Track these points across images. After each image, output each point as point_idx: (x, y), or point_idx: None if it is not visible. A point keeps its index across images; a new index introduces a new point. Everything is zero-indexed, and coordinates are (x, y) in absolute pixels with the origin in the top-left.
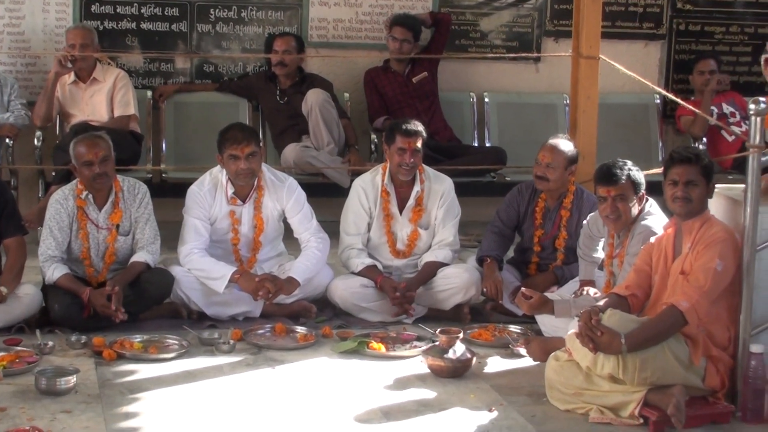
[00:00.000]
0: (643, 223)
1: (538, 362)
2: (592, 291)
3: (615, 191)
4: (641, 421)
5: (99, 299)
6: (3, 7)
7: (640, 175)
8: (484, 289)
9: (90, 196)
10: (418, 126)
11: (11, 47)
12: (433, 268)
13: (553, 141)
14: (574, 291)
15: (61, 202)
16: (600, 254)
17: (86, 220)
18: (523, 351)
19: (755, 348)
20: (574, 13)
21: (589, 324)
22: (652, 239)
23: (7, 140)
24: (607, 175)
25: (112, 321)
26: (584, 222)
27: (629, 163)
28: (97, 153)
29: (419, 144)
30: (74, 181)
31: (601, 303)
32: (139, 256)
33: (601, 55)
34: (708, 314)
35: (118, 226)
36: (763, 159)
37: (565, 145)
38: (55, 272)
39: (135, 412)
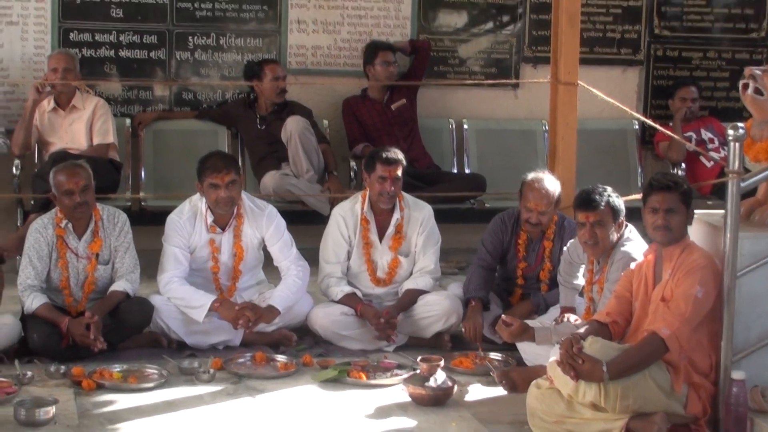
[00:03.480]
0: (622, 249)
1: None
2: (572, 318)
3: (594, 217)
4: None
5: (78, 329)
6: None
7: (619, 201)
8: (463, 329)
9: (70, 224)
10: (398, 154)
11: None
12: (414, 295)
13: (541, 185)
14: (554, 318)
15: (41, 230)
16: (580, 281)
17: (66, 249)
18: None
19: (737, 375)
20: (552, 40)
21: (571, 352)
22: (632, 265)
23: None
24: (586, 201)
25: (91, 351)
26: (564, 248)
27: (609, 189)
28: (78, 182)
29: (399, 172)
30: (53, 210)
31: (582, 330)
32: (118, 285)
33: (579, 81)
34: (689, 341)
35: (97, 255)
36: (742, 185)
37: (553, 186)
38: (34, 302)
39: None
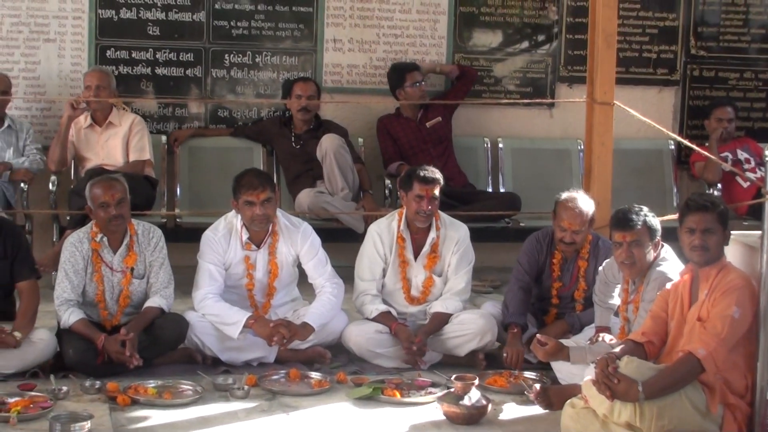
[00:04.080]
0: (658, 269)
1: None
2: (607, 338)
3: (630, 237)
4: None
5: (113, 346)
6: (19, 52)
7: (656, 221)
8: (504, 355)
9: (105, 239)
10: (435, 173)
11: (27, 92)
12: (442, 318)
13: (575, 204)
14: (589, 338)
15: (76, 245)
16: (616, 300)
17: (101, 263)
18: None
19: None
20: (589, 59)
21: (606, 371)
22: (668, 285)
23: (22, 185)
24: (623, 221)
25: (126, 366)
26: (600, 268)
27: (645, 209)
28: (114, 195)
29: (437, 191)
30: (89, 224)
31: (618, 350)
32: (153, 302)
33: (615, 101)
34: (725, 362)
35: (132, 269)
36: None
37: (587, 205)
38: (71, 317)
39: None
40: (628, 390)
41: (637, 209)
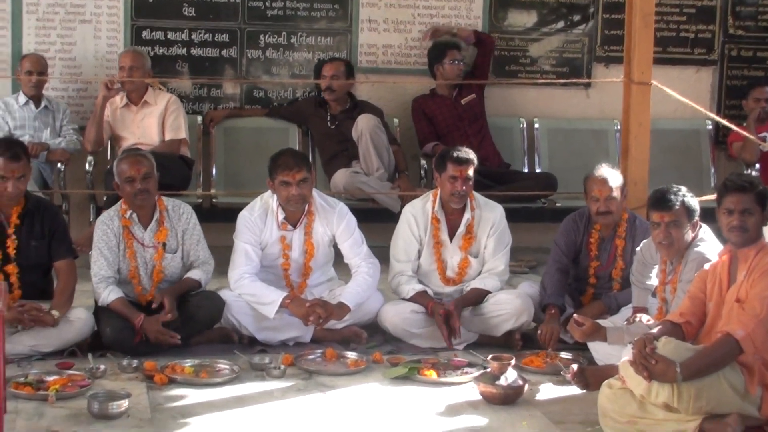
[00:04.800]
0: (696, 249)
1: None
2: (645, 318)
3: (669, 217)
4: None
5: (152, 325)
6: (55, 33)
7: (694, 202)
8: (539, 332)
9: (134, 215)
10: (469, 153)
11: (63, 73)
12: (480, 294)
13: (601, 172)
14: (626, 318)
15: (107, 222)
16: (653, 281)
17: (132, 239)
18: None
19: None
20: (626, 39)
21: (644, 352)
22: (706, 266)
23: (59, 165)
24: (661, 201)
25: (163, 345)
26: (637, 249)
27: (683, 189)
28: (140, 169)
29: (471, 172)
30: (119, 203)
31: (655, 330)
32: (193, 274)
33: (653, 81)
34: (764, 342)
35: (164, 244)
36: None
37: (613, 173)
38: (110, 295)
39: None
40: (666, 371)
41: (675, 189)
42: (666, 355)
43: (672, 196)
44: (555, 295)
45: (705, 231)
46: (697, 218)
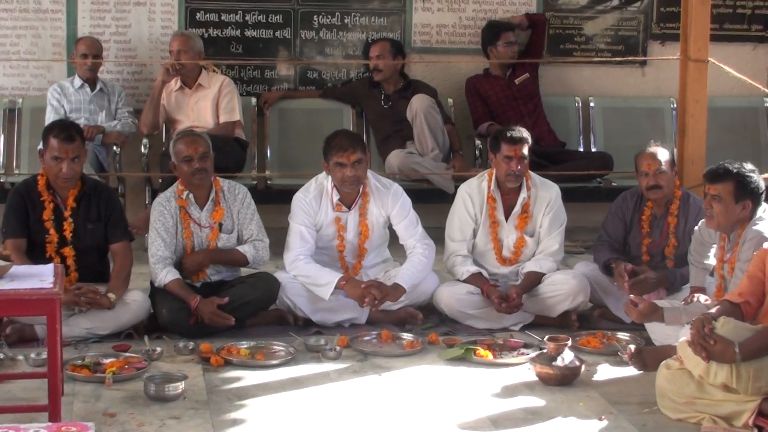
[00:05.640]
0: (754, 228)
1: (643, 372)
2: (702, 298)
3: (713, 190)
4: (755, 430)
5: (207, 307)
6: (110, 16)
7: (751, 179)
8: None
9: (191, 195)
10: (523, 132)
11: (118, 55)
12: (536, 277)
13: (649, 149)
14: (684, 298)
15: (164, 204)
16: (711, 261)
17: (189, 220)
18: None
19: None
20: (682, 16)
21: (702, 332)
22: (765, 245)
23: (115, 148)
24: (709, 173)
25: (218, 327)
26: (695, 228)
27: (745, 165)
28: (197, 149)
29: (525, 150)
30: (175, 184)
31: (714, 311)
32: (242, 248)
33: (709, 58)
34: None
35: (220, 224)
36: None
37: (661, 148)
38: (168, 276)
39: (242, 419)
40: (725, 351)
41: (730, 164)
42: (725, 335)
43: (721, 170)
44: (609, 255)
45: (765, 209)
46: (753, 196)
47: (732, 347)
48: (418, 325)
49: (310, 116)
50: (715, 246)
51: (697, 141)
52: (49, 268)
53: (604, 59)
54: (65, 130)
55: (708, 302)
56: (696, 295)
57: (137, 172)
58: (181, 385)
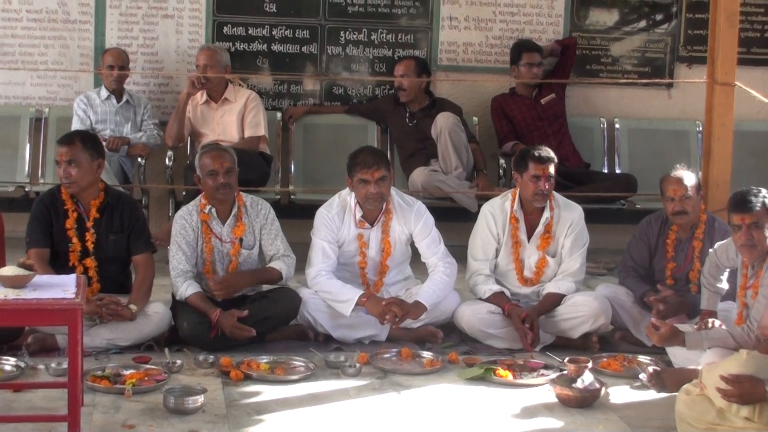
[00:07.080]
0: None
1: (664, 394)
2: (716, 323)
3: (749, 219)
4: None
5: (228, 320)
6: (137, 28)
7: None
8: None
9: (213, 210)
10: (550, 152)
11: (144, 67)
12: (555, 299)
13: (675, 173)
14: (695, 322)
15: (186, 217)
16: (724, 285)
17: (210, 234)
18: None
19: None
20: (710, 39)
21: (728, 381)
22: None
23: (140, 159)
24: (741, 203)
25: (239, 340)
26: (710, 250)
27: (764, 190)
28: (223, 164)
29: (552, 170)
30: (198, 197)
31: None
32: (276, 264)
33: (736, 82)
34: None
35: (241, 240)
36: None
37: (688, 173)
38: (188, 289)
39: None
40: (754, 391)
41: (755, 191)
42: (751, 372)
43: (752, 198)
44: (641, 286)
45: None
46: None
47: (762, 386)
48: (438, 344)
49: (335, 132)
50: (728, 270)
51: (722, 165)
52: (71, 278)
53: (630, 81)
54: (67, 135)
55: (723, 327)
56: (709, 319)
57: (161, 184)
58: (200, 399)
